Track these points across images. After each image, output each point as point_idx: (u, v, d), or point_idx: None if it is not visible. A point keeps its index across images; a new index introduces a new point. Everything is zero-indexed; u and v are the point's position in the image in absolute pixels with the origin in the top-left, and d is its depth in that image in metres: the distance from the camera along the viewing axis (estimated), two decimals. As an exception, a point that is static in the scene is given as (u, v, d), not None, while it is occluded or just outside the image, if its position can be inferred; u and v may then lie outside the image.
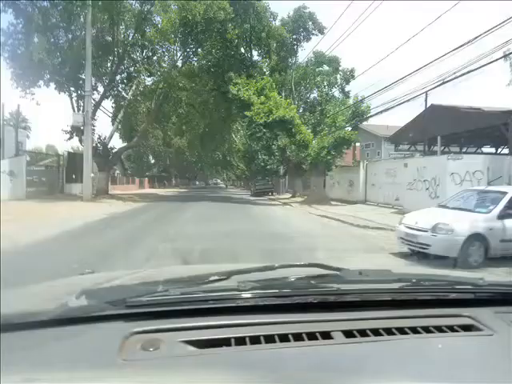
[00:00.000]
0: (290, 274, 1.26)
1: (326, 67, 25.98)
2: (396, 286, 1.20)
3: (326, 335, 0.94)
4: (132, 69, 22.62)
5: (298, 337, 0.92)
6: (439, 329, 1.01)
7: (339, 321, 1.02)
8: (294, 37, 24.28)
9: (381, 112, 17.24)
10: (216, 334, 0.92)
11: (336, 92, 25.98)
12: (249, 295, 1.06)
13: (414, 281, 1.29)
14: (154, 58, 22.42)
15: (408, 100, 14.52)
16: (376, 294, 1.17)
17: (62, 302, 1.03)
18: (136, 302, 0.99)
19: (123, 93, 23.32)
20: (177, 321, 0.96)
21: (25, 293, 1.33)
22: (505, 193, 6.69)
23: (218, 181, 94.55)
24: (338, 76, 25.76)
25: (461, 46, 11.03)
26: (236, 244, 7.54)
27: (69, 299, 1.05)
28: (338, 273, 1.31)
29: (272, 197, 28.81)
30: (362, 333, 0.96)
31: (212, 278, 1.19)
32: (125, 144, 30.01)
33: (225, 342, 0.89)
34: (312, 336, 0.93)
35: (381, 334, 0.96)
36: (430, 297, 1.19)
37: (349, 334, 0.95)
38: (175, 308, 1.00)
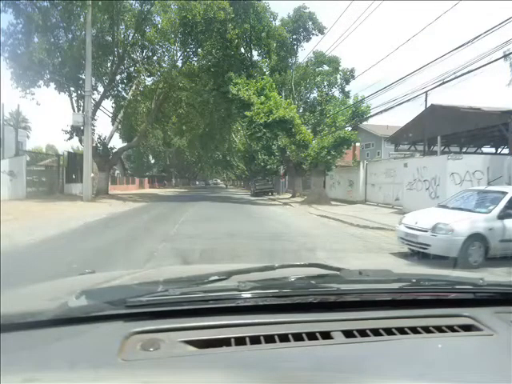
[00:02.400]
0: (290, 274, 1.26)
1: (326, 67, 26.00)
2: (396, 285, 1.20)
3: (326, 335, 0.94)
4: (132, 69, 22.64)
5: (298, 337, 0.92)
6: (439, 329, 1.01)
7: (339, 321, 1.02)
8: (294, 37, 24.27)
9: (381, 112, 17.18)
10: (216, 334, 0.92)
11: (336, 92, 26.04)
12: (249, 295, 1.06)
13: (413, 281, 1.29)
14: (154, 58, 22.46)
15: (408, 100, 14.50)
16: (376, 294, 1.17)
17: (61, 302, 1.03)
18: (136, 301, 0.99)
19: (123, 93, 23.37)
20: (177, 321, 0.96)
21: (25, 293, 1.33)
22: (505, 193, 6.69)
23: (218, 181, 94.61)
24: (338, 76, 25.79)
25: (461, 45, 11.03)
26: (236, 244, 7.55)
27: (69, 299, 1.05)
28: (337, 273, 1.31)
29: (272, 197, 28.80)
30: (362, 333, 0.96)
31: (212, 278, 1.19)
32: (125, 144, 30.01)
33: (225, 342, 0.89)
34: (312, 336, 0.93)
35: (381, 334, 0.96)
36: (430, 297, 1.19)
37: (349, 333, 0.95)
38: (175, 308, 1.00)
